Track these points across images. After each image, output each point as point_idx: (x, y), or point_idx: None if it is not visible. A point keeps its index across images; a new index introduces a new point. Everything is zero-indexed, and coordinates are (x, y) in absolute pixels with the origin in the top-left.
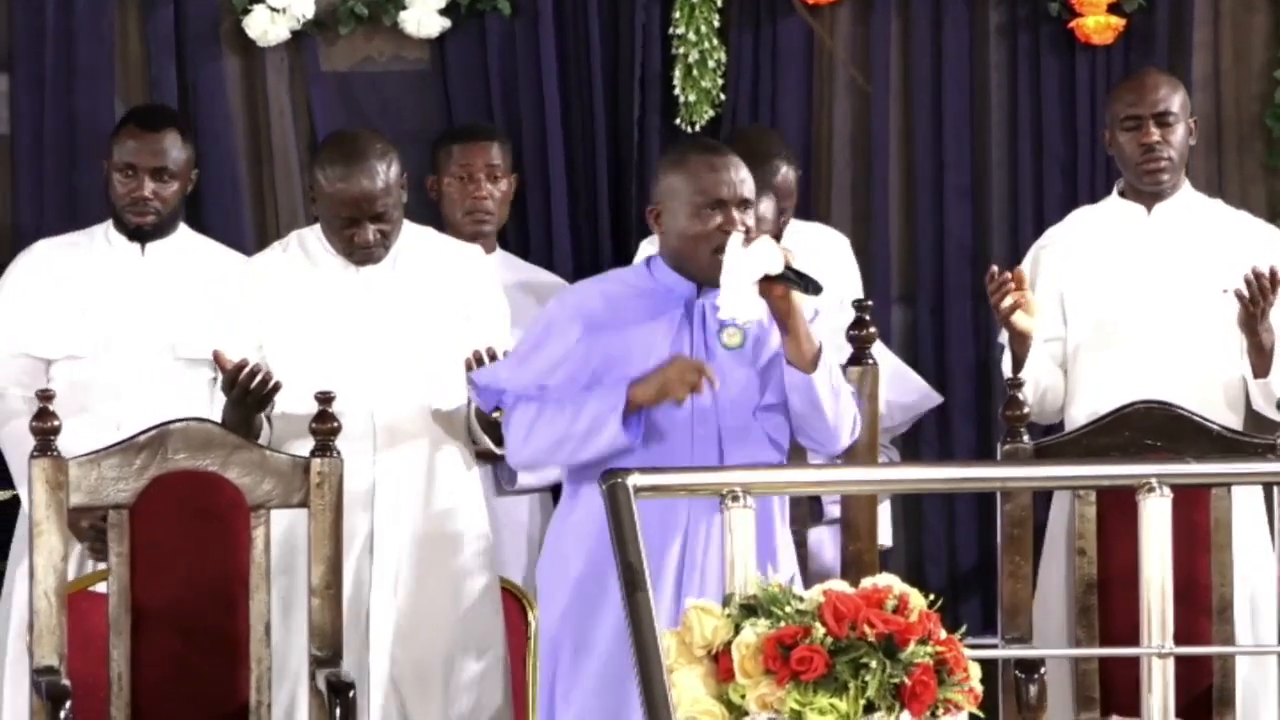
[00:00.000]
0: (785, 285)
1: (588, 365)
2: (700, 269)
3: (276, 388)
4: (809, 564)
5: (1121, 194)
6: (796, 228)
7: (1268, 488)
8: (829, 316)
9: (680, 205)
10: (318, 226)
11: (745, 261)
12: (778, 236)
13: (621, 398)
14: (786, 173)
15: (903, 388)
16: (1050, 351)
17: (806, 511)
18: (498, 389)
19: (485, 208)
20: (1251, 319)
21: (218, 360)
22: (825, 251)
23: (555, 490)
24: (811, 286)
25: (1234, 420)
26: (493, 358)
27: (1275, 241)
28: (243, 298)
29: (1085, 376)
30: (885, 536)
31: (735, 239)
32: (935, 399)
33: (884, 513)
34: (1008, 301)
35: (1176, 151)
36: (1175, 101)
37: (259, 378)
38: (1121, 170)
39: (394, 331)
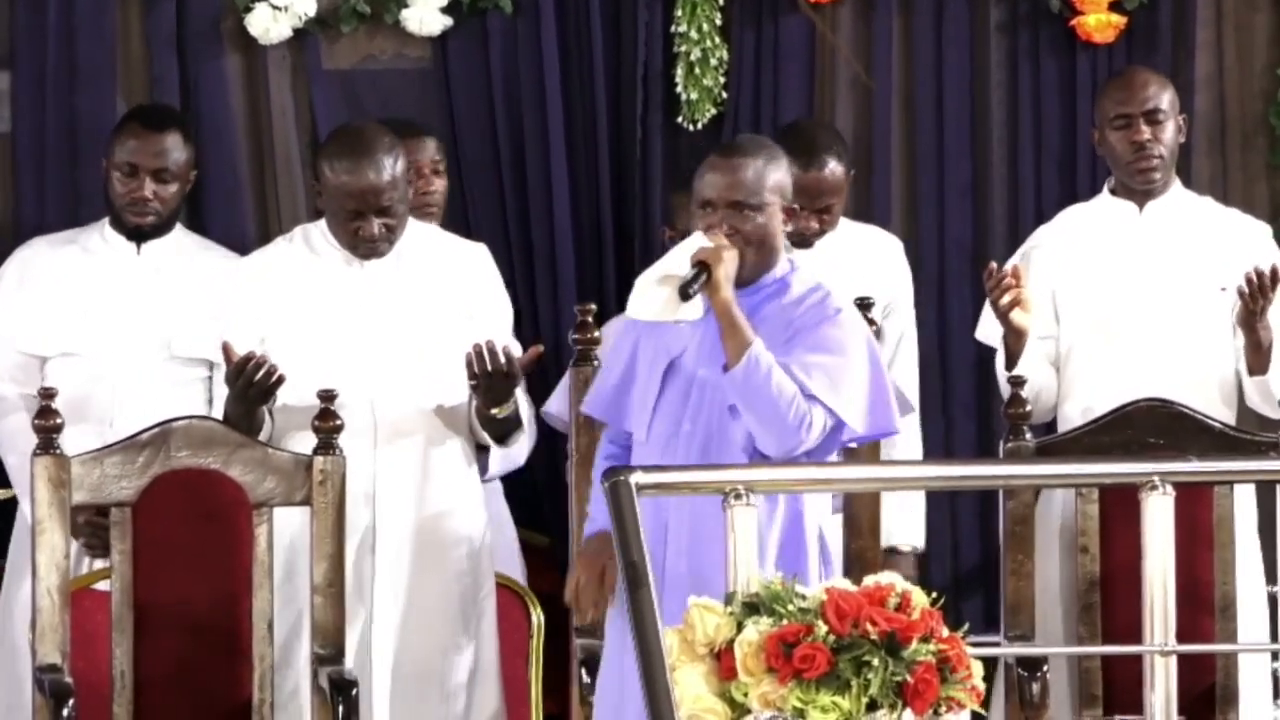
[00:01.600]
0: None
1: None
2: None
3: (280, 381)
4: None
5: (1112, 192)
6: (849, 229)
7: (1261, 486)
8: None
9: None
10: (322, 221)
11: (666, 259)
12: (819, 234)
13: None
14: (834, 168)
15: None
16: (1043, 350)
17: None
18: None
19: (434, 200)
20: (1251, 316)
21: (226, 353)
22: (877, 254)
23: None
24: (683, 293)
25: (1228, 417)
26: (492, 353)
27: (1265, 239)
28: (245, 291)
29: (1079, 375)
30: (918, 538)
31: (693, 238)
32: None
33: (917, 510)
34: (1006, 298)
35: (1167, 149)
36: (1165, 99)
37: (264, 370)
38: (1112, 169)
39: (397, 327)
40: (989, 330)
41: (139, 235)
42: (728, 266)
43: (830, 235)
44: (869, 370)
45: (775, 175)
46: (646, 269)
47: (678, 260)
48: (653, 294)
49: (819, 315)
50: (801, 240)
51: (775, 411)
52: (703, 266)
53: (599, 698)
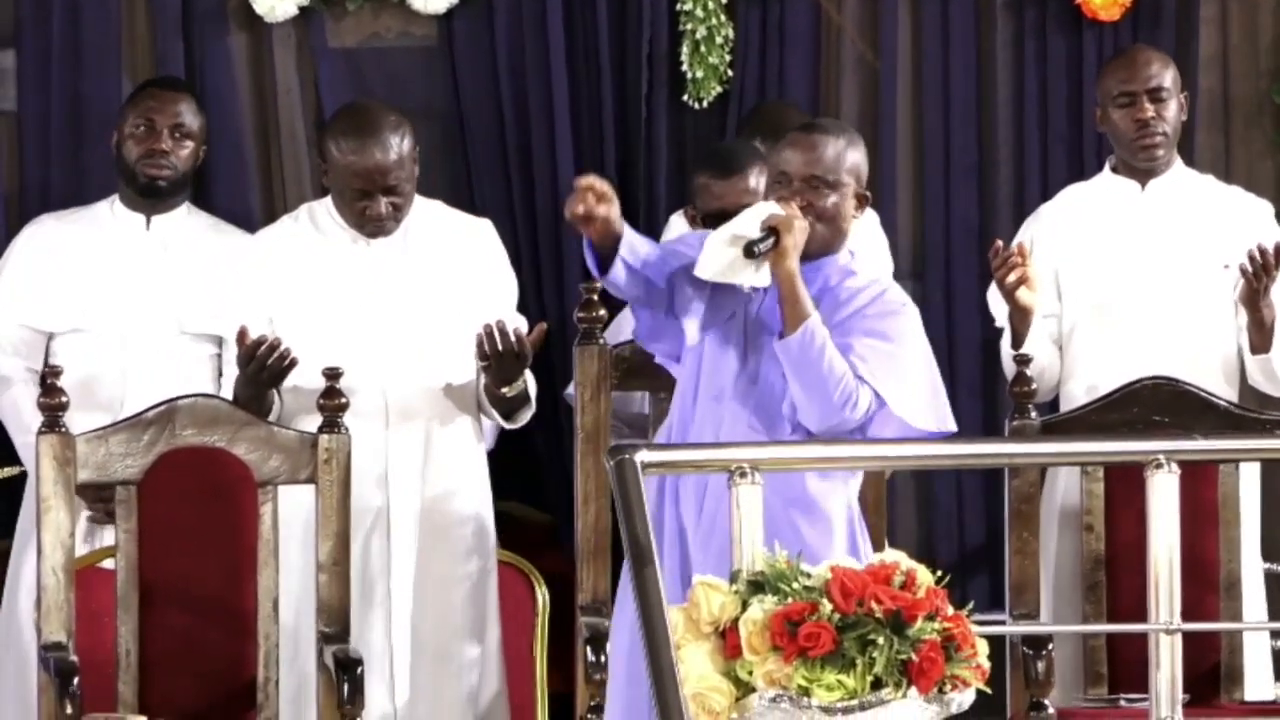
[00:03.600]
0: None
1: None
2: None
3: (293, 364)
4: None
5: (1114, 170)
6: None
7: (1264, 463)
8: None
9: None
10: (328, 199)
11: (738, 220)
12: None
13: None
14: None
15: None
16: (1046, 329)
17: None
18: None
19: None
20: (1254, 295)
21: (240, 336)
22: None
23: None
24: (748, 251)
25: (1230, 395)
26: (503, 333)
27: (1267, 216)
28: (253, 270)
29: (1082, 353)
30: None
31: (766, 204)
32: None
33: None
34: (1012, 276)
35: (1170, 127)
36: (1167, 77)
37: (277, 353)
38: (1115, 147)
39: (404, 305)
40: (996, 303)
41: (152, 192)
42: (797, 236)
43: None
44: (925, 366)
45: (853, 157)
46: (717, 229)
47: (749, 223)
48: (721, 253)
49: (880, 307)
50: None
51: (823, 386)
52: (773, 232)
53: (613, 673)
